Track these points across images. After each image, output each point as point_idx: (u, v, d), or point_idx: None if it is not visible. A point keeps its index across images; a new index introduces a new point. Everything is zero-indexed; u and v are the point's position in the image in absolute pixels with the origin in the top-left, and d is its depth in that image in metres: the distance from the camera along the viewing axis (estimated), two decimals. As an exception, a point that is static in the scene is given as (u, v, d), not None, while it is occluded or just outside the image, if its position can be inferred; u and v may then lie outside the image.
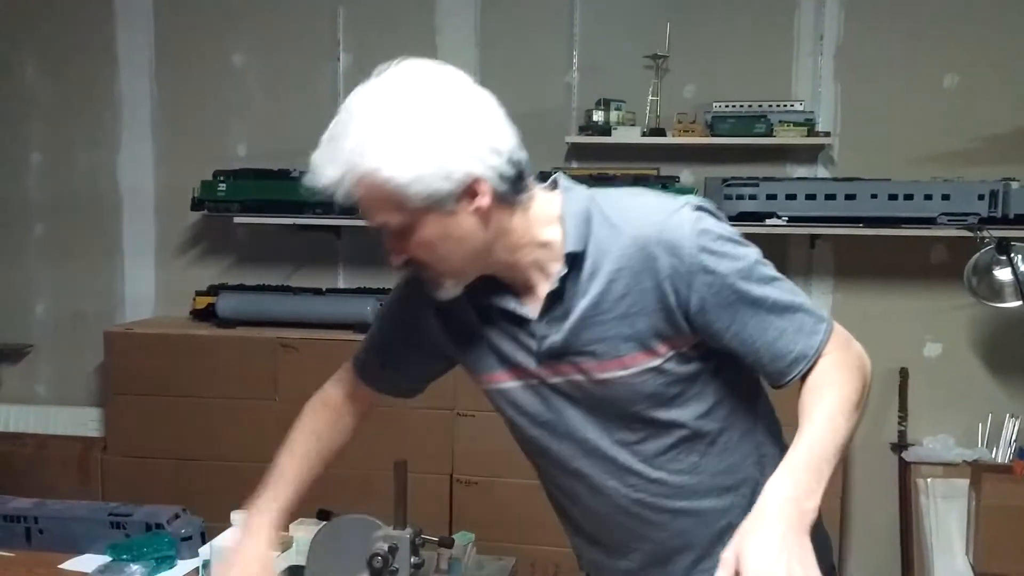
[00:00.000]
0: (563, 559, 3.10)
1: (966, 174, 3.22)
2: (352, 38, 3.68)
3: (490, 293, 1.23)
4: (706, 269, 1.13)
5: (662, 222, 1.15)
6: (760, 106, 3.25)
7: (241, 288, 3.57)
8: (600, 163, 3.47)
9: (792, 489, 1.04)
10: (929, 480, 3.09)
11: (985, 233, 2.90)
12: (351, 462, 3.10)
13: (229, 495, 3.01)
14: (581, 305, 1.18)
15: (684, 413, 1.23)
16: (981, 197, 3.06)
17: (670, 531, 1.28)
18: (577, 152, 3.54)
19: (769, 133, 3.24)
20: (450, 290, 1.18)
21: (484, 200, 1.12)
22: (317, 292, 3.53)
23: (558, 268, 1.18)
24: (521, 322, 1.23)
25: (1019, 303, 2.82)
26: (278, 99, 3.74)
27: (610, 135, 3.33)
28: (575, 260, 1.17)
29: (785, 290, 1.17)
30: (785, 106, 3.28)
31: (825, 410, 1.11)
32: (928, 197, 3.07)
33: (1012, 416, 3.19)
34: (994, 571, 2.90)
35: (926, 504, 3.06)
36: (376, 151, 1.08)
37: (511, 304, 1.23)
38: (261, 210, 3.44)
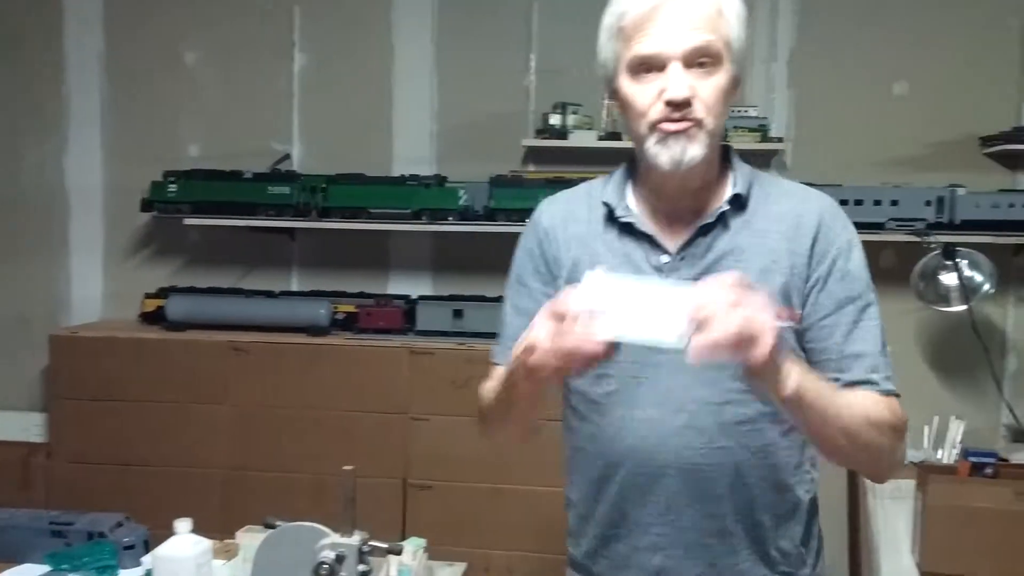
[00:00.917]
0: (517, 563, 3.11)
1: (914, 180, 3.28)
2: (307, 38, 3.65)
3: (632, 220, 1.30)
4: (847, 255, 1.26)
5: (826, 204, 1.30)
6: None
7: (192, 290, 3.51)
8: (557, 167, 3.47)
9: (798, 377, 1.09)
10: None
11: (932, 238, 2.95)
12: (305, 467, 3.10)
13: (176, 502, 2.96)
14: (726, 246, 1.26)
15: None
16: (928, 203, 3.11)
17: (710, 512, 1.28)
18: (534, 155, 3.54)
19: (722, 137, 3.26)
20: (698, 149, 1.20)
21: (739, 92, 1.27)
22: (270, 295, 3.48)
23: (718, 206, 1.28)
24: (653, 253, 1.28)
25: (964, 307, 2.88)
26: (231, 99, 3.69)
27: (566, 139, 3.33)
28: (736, 201, 1.27)
29: (881, 329, 1.29)
30: (739, 112, 3.31)
31: (851, 399, 1.19)
32: (877, 203, 3.12)
33: (957, 418, 3.24)
34: (940, 571, 2.95)
35: (874, 505, 3.10)
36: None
37: (657, 230, 1.29)
38: (213, 211, 3.39)
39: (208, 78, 3.70)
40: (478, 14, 3.58)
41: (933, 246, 2.93)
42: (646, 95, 1.21)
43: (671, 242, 1.28)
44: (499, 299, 3.59)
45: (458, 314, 3.29)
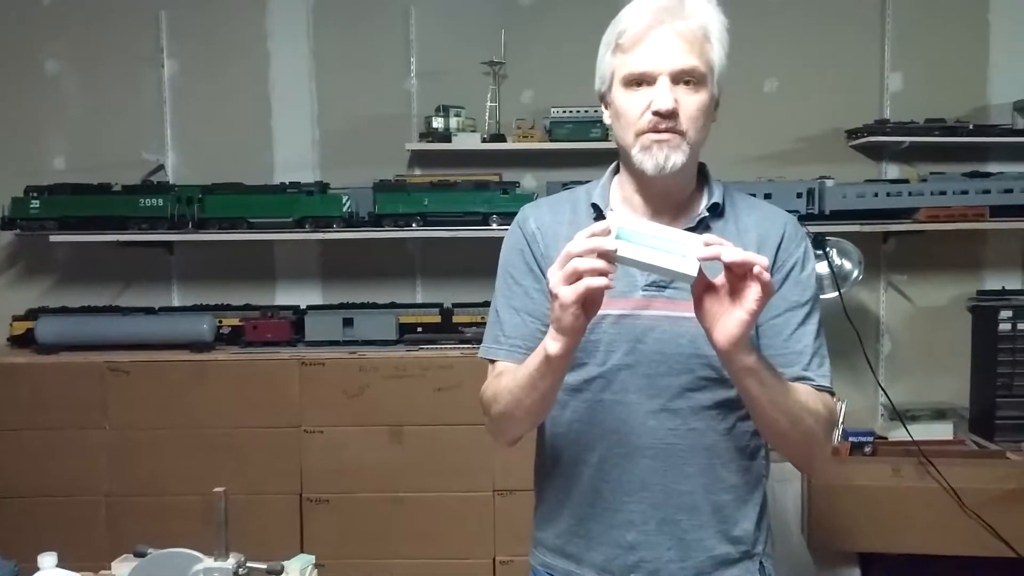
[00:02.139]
0: (419, 570, 3.08)
1: (787, 173, 3.41)
2: (177, 43, 3.52)
3: None
4: (801, 265, 1.40)
5: (788, 219, 1.45)
6: (596, 111, 3.30)
7: (64, 311, 3.35)
8: (442, 169, 3.46)
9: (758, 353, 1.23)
10: (766, 465, 3.25)
11: (804, 229, 3.07)
12: (194, 488, 2.99)
13: (56, 533, 2.82)
14: None
15: None
16: (799, 195, 3.24)
17: (680, 489, 1.38)
18: (419, 159, 3.52)
19: (605, 137, 3.31)
20: (680, 156, 1.32)
21: (717, 113, 1.39)
22: (149, 311, 3.35)
23: (697, 212, 1.40)
24: None
25: (836, 294, 3.01)
26: (98, 108, 3.53)
27: (450, 141, 3.32)
28: (714, 209, 1.40)
29: (821, 332, 1.40)
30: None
31: (795, 387, 1.31)
32: (752, 196, 3.22)
33: (838, 400, 3.39)
34: (827, 546, 3.08)
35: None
36: (718, 21, 1.36)
37: None
38: (81, 227, 3.23)
39: (72, 87, 3.53)
40: (355, 18, 3.53)
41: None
42: (636, 105, 1.33)
43: None
44: (390, 305, 3.57)
45: (348, 323, 3.23)
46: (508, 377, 1.35)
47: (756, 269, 1.11)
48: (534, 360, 1.26)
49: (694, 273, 1.11)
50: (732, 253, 1.11)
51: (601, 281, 1.11)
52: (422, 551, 3.07)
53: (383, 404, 3.06)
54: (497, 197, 3.23)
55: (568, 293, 1.12)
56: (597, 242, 1.11)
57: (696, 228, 1.38)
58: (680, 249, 1.11)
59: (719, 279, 1.15)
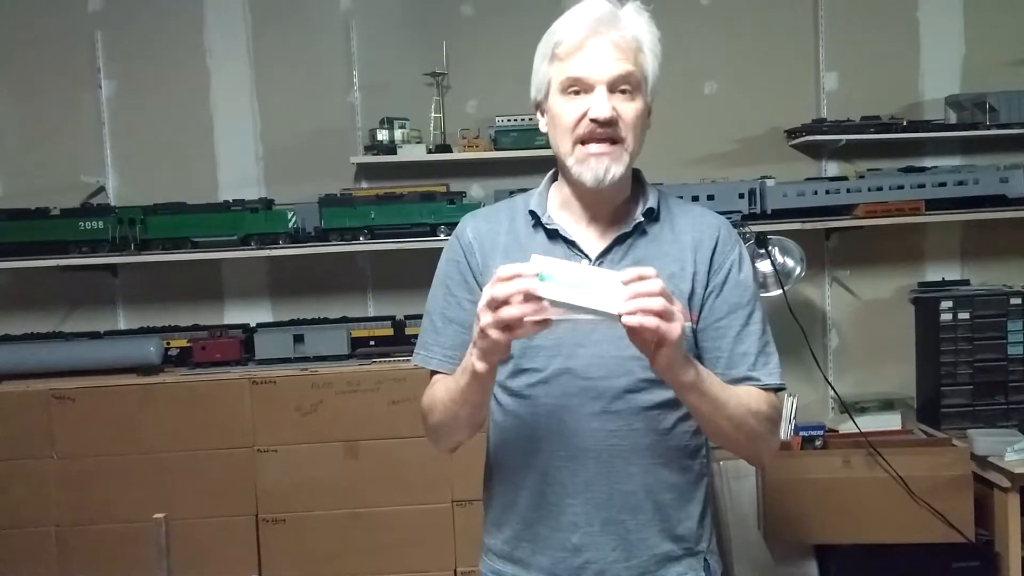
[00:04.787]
0: (380, 586, 3.05)
1: (729, 174, 3.47)
2: (114, 63, 3.47)
3: (556, 226, 1.44)
4: (738, 267, 1.44)
5: (722, 222, 1.49)
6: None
7: (6, 339, 3.28)
8: (388, 182, 3.45)
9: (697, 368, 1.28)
10: (721, 463, 3.27)
11: (746, 229, 3.12)
12: (148, 514, 2.92)
13: (5, 566, 2.73)
14: (640, 254, 1.41)
15: None
16: (741, 195, 3.29)
17: (623, 489, 1.40)
18: (365, 172, 3.51)
19: (550, 145, 3.32)
20: (620, 167, 1.36)
21: (650, 120, 1.43)
22: (95, 336, 3.29)
23: (633, 217, 1.44)
24: (575, 258, 1.41)
25: (779, 292, 3.06)
26: (35, 132, 3.46)
27: (396, 153, 3.31)
28: (650, 214, 1.44)
29: (765, 330, 1.44)
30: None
31: (738, 392, 1.36)
32: (695, 198, 3.25)
33: (788, 395, 3.45)
34: (783, 539, 3.12)
35: (720, 485, 3.24)
36: (651, 34, 1.40)
37: (578, 237, 1.43)
38: (19, 253, 3.17)
39: (6, 111, 3.46)
40: (295, 32, 3.51)
41: (747, 236, 3.09)
42: (574, 113, 1.36)
43: (591, 248, 1.43)
44: (341, 320, 3.54)
45: (299, 339, 3.20)
46: (441, 389, 1.39)
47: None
48: (463, 377, 1.29)
49: (617, 313, 1.14)
50: (651, 302, 1.14)
51: (524, 310, 1.14)
52: (382, 566, 3.05)
53: (337, 420, 3.04)
54: (444, 208, 3.23)
55: (492, 329, 1.16)
56: (522, 284, 1.13)
57: (632, 233, 1.42)
58: (602, 289, 1.14)
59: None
